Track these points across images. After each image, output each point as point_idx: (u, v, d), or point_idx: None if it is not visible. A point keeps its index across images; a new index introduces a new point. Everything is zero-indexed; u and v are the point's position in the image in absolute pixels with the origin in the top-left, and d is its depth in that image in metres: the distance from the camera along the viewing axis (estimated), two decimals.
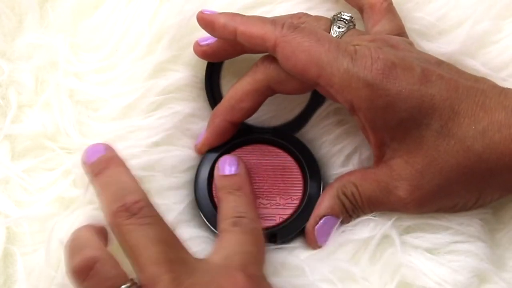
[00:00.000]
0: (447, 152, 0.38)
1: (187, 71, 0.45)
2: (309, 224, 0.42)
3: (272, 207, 0.43)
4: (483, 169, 0.38)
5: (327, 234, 0.41)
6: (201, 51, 0.44)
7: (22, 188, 0.43)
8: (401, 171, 0.40)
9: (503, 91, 0.39)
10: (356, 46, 0.39)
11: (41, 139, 0.44)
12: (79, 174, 0.43)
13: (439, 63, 0.40)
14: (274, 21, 0.41)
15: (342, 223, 0.42)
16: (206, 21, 0.42)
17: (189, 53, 0.45)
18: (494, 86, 0.40)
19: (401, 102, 0.38)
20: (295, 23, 0.41)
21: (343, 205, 0.42)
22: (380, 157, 0.41)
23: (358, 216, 0.42)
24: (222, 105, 0.43)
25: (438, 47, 0.45)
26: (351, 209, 0.42)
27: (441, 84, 0.38)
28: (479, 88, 0.39)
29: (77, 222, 0.41)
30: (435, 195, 0.40)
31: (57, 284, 0.40)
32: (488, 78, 0.43)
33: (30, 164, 0.44)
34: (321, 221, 0.42)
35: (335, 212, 0.42)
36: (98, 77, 0.45)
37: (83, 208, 0.42)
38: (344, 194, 0.41)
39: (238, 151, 0.44)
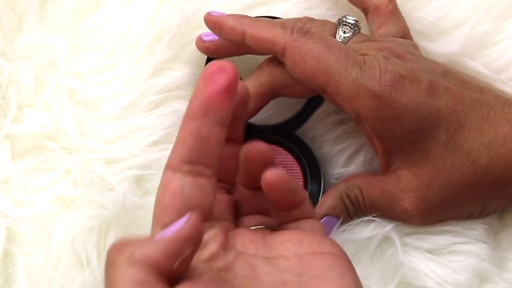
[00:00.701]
0: (453, 165, 0.39)
1: (186, 69, 0.45)
2: None
3: None
4: (489, 181, 0.39)
5: (327, 234, 0.41)
6: (203, 47, 0.43)
7: (22, 188, 0.43)
8: (408, 183, 0.40)
9: (507, 102, 0.40)
10: (365, 56, 0.39)
11: (41, 139, 0.44)
12: (79, 173, 0.43)
13: (446, 73, 0.40)
14: (283, 24, 0.40)
15: (342, 223, 0.42)
16: (213, 22, 0.41)
17: (189, 52, 0.45)
18: (499, 97, 0.40)
19: (408, 114, 0.38)
20: (303, 26, 0.41)
21: (345, 207, 0.42)
22: (387, 166, 0.41)
23: (359, 218, 0.42)
24: None
25: (439, 47, 0.45)
26: (353, 212, 0.42)
27: (448, 96, 0.39)
28: (484, 100, 0.39)
29: (77, 222, 0.42)
30: (440, 208, 0.40)
31: (57, 284, 0.40)
32: (489, 80, 0.43)
33: (30, 164, 0.44)
34: (322, 220, 0.42)
35: (337, 213, 0.42)
36: (98, 77, 0.45)
37: (83, 207, 0.42)
38: (348, 196, 0.41)
39: None
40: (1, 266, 0.41)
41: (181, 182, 0.31)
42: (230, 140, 0.35)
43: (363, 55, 0.39)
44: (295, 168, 0.44)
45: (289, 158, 0.44)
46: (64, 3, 0.46)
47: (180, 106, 0.45)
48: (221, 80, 0.31)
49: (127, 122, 0.44)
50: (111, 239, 0.41)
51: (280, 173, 0.32)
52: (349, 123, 0.45)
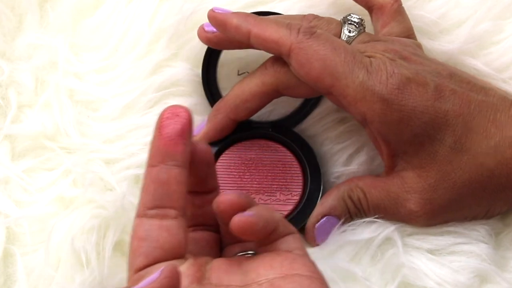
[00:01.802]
0: (460, 168, 0.38)
1: (183, 66, 0.45)
2: (310, 222, 0.42)
3: (273, 202, 0.43)
4: (494, 184, 0.39)
5: (326, 233, 0.41)
6: (205, 37, 0.42)
7: (22, 188, 0.43)
8: (414, 184, 0.40)
9: None
10: (371, 58, 0.39)
11: (41, 139, 0.44)
12: (79, 173, 0.43)
13: (451, 75, 0.40)
14: (289, 25, 0.40)
15: (342, 224, 0.42)
16: (217, 20, 0.41)
17: (187, 50, 0.45)
18: (504, 99, 0.40)
19: (415, 117, 0.38)
20: (309, 27, 0.40)
21: (347, 208, 0.41)
22: (391, 167, 0.41)
23: (360, 219, 0.42)
24: (226, 102, 0.43)
25: (440, 45, 0.44)
26: (355, 213, 0.42)
27: (454, 99, 0.38)
28: (490, 102, 0.39)
29: (77, 222, 0.42)
30: (446, 209, 0.40)
31: (57, 284, 0.40)
32: (489, 79, 0.43)
33: (30, 164, 0.44)
34: (322, 220, 0.41)
35: (338, 213, 0.41)
36: (98, 77, 0.45)
37: (83, 207, 0.42)
38: (350, 198, 0.41)
39: (237, 146, 0.44)
40: (1, 266, 0.41)
41: (147, 227, 0.33)
42: (206, 192, 0.36)
43: (369, 57, 0.39)
44: (294, 166, 0.44)
45: (288, 156, 0.44)
46: (64, 3, 0.46)
47: (177, 103, 0.44)
48: (174, 125, 0.33)
49: (126, 122, 0.44)
50: (109, 239, 0.41)
51: (246, 218, 0.32)
52: (350, 121, 0.45)
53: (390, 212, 0.41)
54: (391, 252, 0.41)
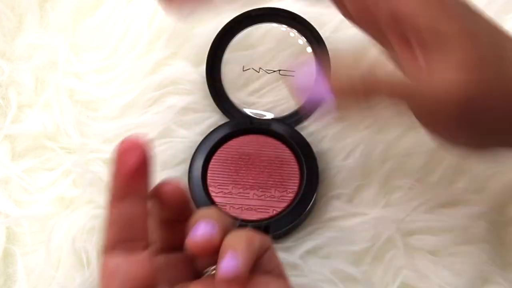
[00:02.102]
0: None
1: (182, 65, 0.45)
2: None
3: (267, 199, 0.42)
4: None
5: (310, 102, 0.35)
6: None
7: (22, 188, 0.43)
8: (460, 45, 0.31)
9: None
10: None
11: (41, 139, 0.44)
12: (79, 173, 0.43)
13: None
14: None
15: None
16: None
17: (187, 49, 0.45)
18: None
19: None
20: None
21: (356, 89, 0.33)
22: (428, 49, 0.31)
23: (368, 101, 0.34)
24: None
25: None
26: (364, 93, 0.33)
27: None
28: None
29: (77, 222, 0.42)
30: (493, 85, 0.31)
31: (57, 284, 0.40)
32: None
33: (30, 164, 0.44)
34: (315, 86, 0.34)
35: (339, 89, 0.34)
36: (98, 77, 0.46)
37: (83, 207, 0.42)
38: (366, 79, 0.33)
39: (236, 140, 0.44)
40: (1, 266, 0.41)
41: (116, 261, 0.32)
42: (184, 220, 0.35)
43: None
44: (292, 163, 0.43)
45: (287, 153, 0.43)
46: (64, 3, 0.47)
47: (176, 101, 0.45)
48: (132, 159, 0.32)
49: (125, 121, 0.44)
50: None
51: (234, 274, 0.31)
52: (349, 119, 0.44)
53: (417, 96, 0.32)
54: (392, 253, 0.41)
